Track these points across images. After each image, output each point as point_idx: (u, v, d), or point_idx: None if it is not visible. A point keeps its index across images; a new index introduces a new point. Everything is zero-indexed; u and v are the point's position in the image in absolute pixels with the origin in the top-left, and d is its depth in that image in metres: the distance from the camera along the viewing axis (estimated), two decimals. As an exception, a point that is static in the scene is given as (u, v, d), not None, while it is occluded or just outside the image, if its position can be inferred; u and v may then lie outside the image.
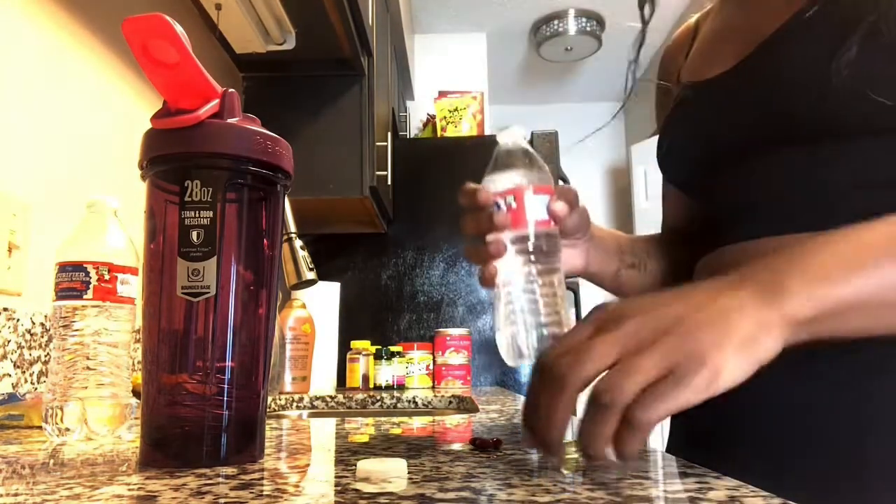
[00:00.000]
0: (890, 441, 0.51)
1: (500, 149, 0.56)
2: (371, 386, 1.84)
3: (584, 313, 2.67)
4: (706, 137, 0.66)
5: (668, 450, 0.70)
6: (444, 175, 2.43)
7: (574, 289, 2.44)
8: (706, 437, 0.65)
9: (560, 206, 0.55)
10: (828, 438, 0.54)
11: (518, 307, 0.54)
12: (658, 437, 3.53)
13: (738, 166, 0.63)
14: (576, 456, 0.39)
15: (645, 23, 0.77)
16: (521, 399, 1.21)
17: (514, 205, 0.54)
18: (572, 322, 0.51)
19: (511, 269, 0.54)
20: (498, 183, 0.55)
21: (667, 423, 0.66)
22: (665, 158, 0.74)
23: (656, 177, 0.77)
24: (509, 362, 0.54)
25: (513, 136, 0.56)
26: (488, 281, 0.56)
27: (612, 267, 0.73)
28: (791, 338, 0.40)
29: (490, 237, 0.55)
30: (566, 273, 0.63)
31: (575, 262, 0.69)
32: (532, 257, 0.54)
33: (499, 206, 0.54)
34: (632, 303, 0.41)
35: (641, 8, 0.76)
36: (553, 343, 0.42)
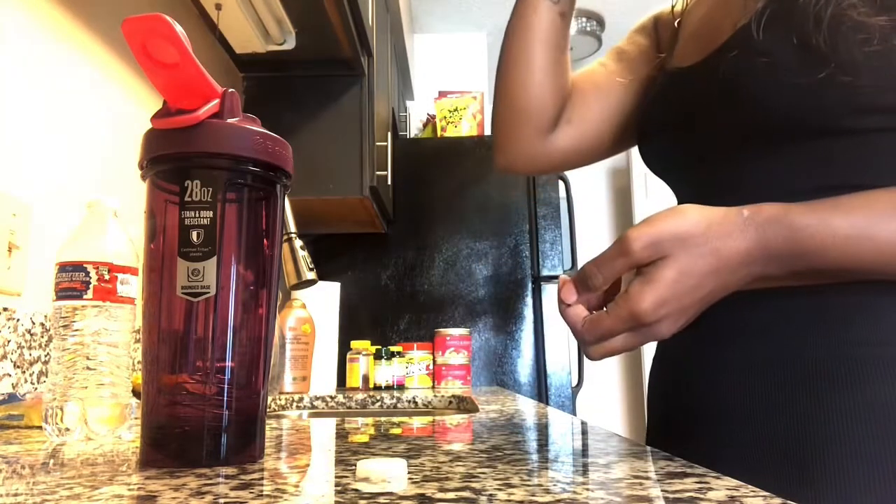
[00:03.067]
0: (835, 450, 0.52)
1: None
2: (371, 386, 1.84)
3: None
4: (681, 128, 0.66)
5: (648, 441, 0.71)
6: (444, 175, 2.43)
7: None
8: (675, 426, 0.66)
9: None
10: (782, 441, 0.54)
11: None
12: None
13: (706, 160, 0.64)
14: None
15: None
16: (521, 399, 1.21)
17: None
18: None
19: None
20: None
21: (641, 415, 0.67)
22: (643, 148, 0.74)
23: (656, 177, 0.77)
24: None
25: None
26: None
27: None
28: (761, 238, 0.47)
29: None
30: None
31: None
32: None
33: None
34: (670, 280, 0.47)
35: None
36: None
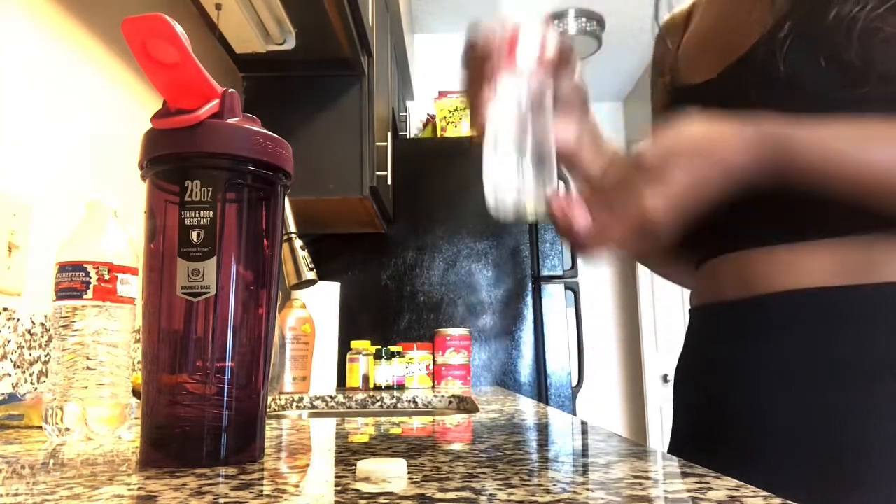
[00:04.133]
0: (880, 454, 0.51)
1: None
2: (371, 386, 1.84)
3: (583, 314, 2.65)
4: None
5: (671, 451, 0.70)
6: (444, 175, 2.43)
7: (574, 289, 2.44)
8: (704, 438, 0.65)
9: (552, 39, 0.57)
10: (818, 446, 0.54)
11: (507, 149, 0.54)
12: (659, 439, 3.52)
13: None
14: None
15: None
16: (521, 399, 1.21)
17: (509, 42, 0.56)
18: (556, 182, 0.55)
19: (504, 116, 0.55)
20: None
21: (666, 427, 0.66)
22: None
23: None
24: (493, 207, 0.54)
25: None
26: (479, 125, 0.57)
27: (602, 162, 0.70)
28: (761, 149, 0.50)
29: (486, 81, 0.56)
30: (557, 147, 0.60)
31: (567, 136, 0.66)
32: (524, 103, 0.55)
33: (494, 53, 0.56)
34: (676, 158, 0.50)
35: None
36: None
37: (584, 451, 0.52)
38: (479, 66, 0.57)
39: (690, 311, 0.72)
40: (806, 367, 0.56)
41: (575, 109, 0.66)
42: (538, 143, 0.54)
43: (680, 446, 0.70)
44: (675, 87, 0.72)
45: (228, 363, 0.43)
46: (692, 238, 0.76)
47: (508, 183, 0.53)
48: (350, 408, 1.43)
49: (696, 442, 0.67)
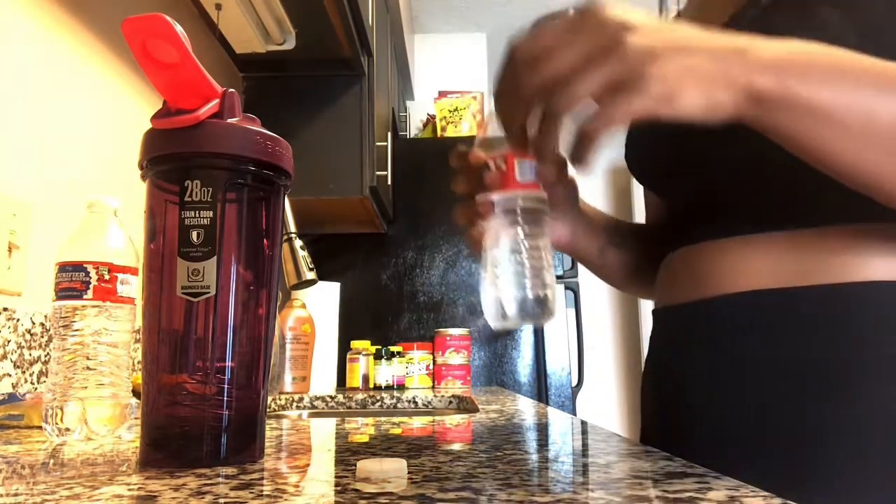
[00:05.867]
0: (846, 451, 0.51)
1: (492, 114, 0.58)
2: (371, 386, 1.84)
3: (583, 314, 2.65)
4: (663, 139, 0.66)
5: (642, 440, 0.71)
6: (444, 175, 2.42)
7: (574, 289, 2.44)
8: (667, 443, 0.66)
9: (549, 170, 0.57)
10: (784, 443, 0.54)
11: (503, 270, 0.55)
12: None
13: (693, 167, 0.64)
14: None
15: None
16: (521, 399, 1.21)
17: (503, 167, 0.56)
18: (556, 288, 0.54)
19: (498, 232, 0.56)
20: (489, 147, 0.57)
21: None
22: (630, 160, 0.74)
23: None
24: (492, 324, 0.56)
25: None
26: (475, 242, 0.58)
27: (598, 243, 0.73)
28: (746, 106, 0.42)
29: (479, 198, 0.57)
30: (552, 245, 0.63)
31: (561, 234, 0.69)
32: (520, 219, 0.55)
33: (489, 168, 0.57)
34: (618, 13, 0.41)
35: None
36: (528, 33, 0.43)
37: (584, 451, 0.52)
38: (473, 176, 0.58)
39: (652, 312, 0.73)
40: (760, 371, 0.56)
41: (568, 208, 0.68)
42: (534, 257, 0.55)
43: (647, 437, 0.71)
44: None
45: (228, 363, 0.43)
46: (652, 234, 0.76)
47: (508, 300, 0.54)
48: (350, 408, 1.43)
49: (661, 445, 0.68)
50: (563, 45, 0.41)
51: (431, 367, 1.98)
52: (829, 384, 0.53)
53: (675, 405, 0.64)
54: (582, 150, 0.42)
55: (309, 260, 1.22)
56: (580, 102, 0.41)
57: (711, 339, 0.60)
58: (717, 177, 0.62)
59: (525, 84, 0.42)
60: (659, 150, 0.67)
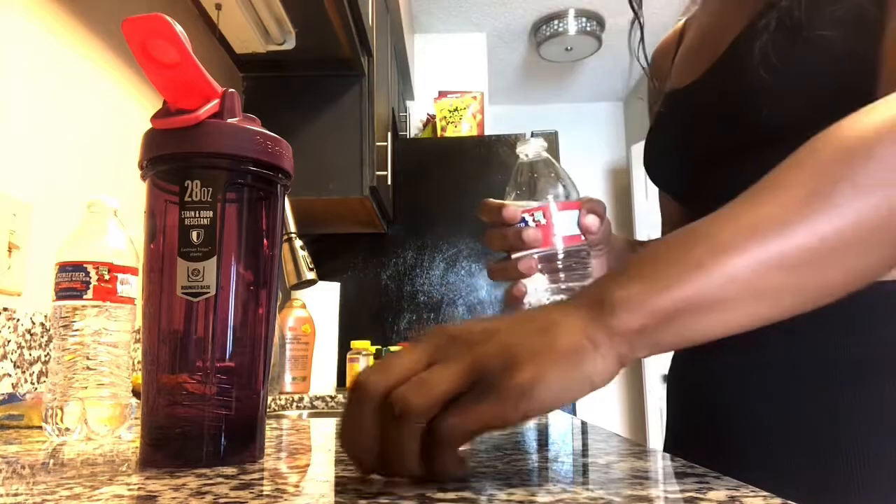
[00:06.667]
0: (869, 449, 0.51)
1: (523, 162, 0.54)
2: (371, 386, 1.84)
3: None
4: (683, 146, 0.66)
5: (666, 448, 0.71)
6: (444, 175, 2.43)
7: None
8: (698, 433, 0.66)
9: (591, 221, 0.54)
10: (810, 442, 0.54)
11: None
12: (658, 437, 3.51)
13: (713, 173, 0.64)
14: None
15: (635, 10, 0.78)
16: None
17: (542, 221, 0.52)
18: None
19: (538, 288, 0.53)
20: (523, 198, 0.53)
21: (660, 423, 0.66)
22: (650, 167, 0.75)
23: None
24: None
25: (534, 149, 0.55)
26: (516, 299, 0.54)
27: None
28: (630, 352, 0.36)
29: (518, 255, 0.54)
30: None
31: (595, 273, 0.69)
32: (561, 275, 0.53)
33: (526, 223, 0.53)
34: (463, 324, 0.37)
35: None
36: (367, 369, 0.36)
37: (584, 451, 0.52)
38: (508, 231, 0.54)
39: None
40: (796, 370, 0.56)
41: (603, 246, 0.65)
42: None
43: (673, 449, 0.71)
44: (665, 91, 0.73)
45: (228, 363, 0.43)
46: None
47: None
48: (350, 408, 1.42)
49: (688, 444, 0.68)
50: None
51: (431, 367, 1.97)
52: (859, 383, 0.52)
53: (703, 406, 0.64)
54: (440, 459, 0.34)
55: (309, 260, 1.22)
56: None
57: (740, 338, 0.60)
58: (744, 182, 0.61)
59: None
60: (683, 153, 0.67)
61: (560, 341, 0.34)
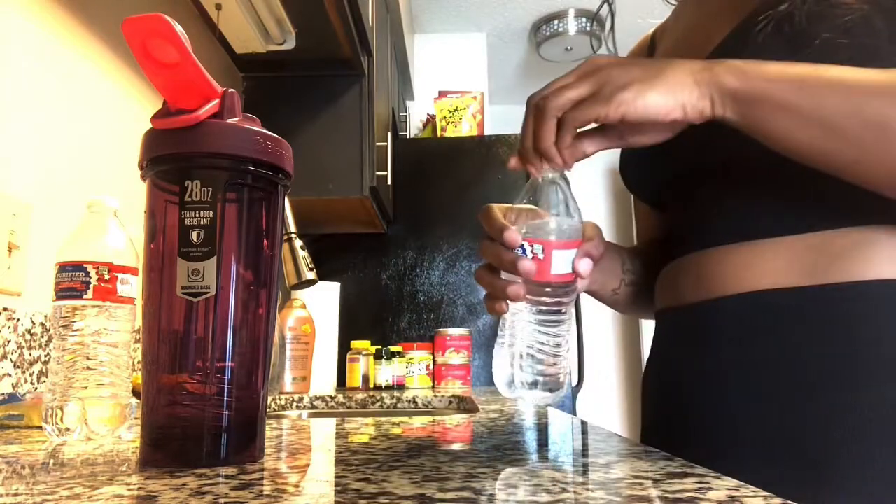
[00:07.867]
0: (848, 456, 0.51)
1: (539, 181, 0.54)
2: (371, 386, 1.84)
3: (584, 315, 2.65)
4: (661, 156, 0.66)
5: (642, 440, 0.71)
6: (444, 175, 2.43)
7: (574, 289, 2.44)
8: (671, 443, 0.66)
9: (585, 266, 0.54)
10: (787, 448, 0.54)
11: (520, 348, 0.53)
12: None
13: (691, 182, 0.64)
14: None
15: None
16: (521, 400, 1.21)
17: (540, 256, 0.52)
18: (569, 370, 0.54)
19: (522, 312, 0.54)
20: (528, 226, 0.53)
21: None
22: (627, 176, 0.75)
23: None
24: (501, 391, 0.56)
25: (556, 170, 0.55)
26: (497, 313, 0.56)
27: (613, 285, 0.74)
28: (720, 103, 0.49)
29: (509, 278, 0.55)
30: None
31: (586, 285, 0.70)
32: (546, 308, 0.53)
33: (524, 251, 0.53)
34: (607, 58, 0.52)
35: None
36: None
37: (584, 451, 0.52)
38: (505, 252, 0.55)
39: (655, 314, 0.73)
40: (767, 372, 0.56)
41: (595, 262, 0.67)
42: (554, 340, 0.54)
43: (650, 437, 0.71)
44: None
45: (228, 363, 0.43)
46: (656, 246, 0.76)
47: (522, 377, 0.54)
48: (350, 408, 1.43)
49: (663, 445, 0.68)
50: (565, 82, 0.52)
51: (431, 367, 1.98)
52: (840, 384, 0.52)
53: (682, 406, 0.64)
54: (562, 139, 0.51)
55: (309, 260, 1.22)
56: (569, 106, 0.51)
57: (720, 339, 0.60)
58: (726, 182, 0.61)
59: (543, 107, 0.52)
60: (660, 161, 0.67)
61: (669, 73, 0.49)
